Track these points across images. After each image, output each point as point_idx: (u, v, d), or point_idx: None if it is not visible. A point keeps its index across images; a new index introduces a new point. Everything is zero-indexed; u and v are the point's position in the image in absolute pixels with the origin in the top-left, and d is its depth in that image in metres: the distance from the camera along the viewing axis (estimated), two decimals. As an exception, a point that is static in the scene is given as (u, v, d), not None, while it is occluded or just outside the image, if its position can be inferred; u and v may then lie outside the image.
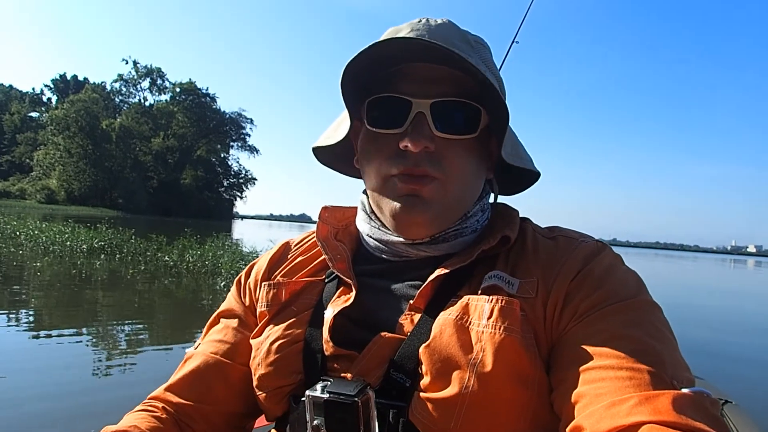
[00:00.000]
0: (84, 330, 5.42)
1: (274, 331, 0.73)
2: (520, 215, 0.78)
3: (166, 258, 10.69)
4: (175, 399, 0.76)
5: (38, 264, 9.83)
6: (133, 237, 13.00)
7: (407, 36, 0.67)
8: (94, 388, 3.73)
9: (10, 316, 5.84)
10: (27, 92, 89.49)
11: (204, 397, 0.76)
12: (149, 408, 0.76)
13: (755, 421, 1.79)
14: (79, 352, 4.54)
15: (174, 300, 7.80)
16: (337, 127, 0.78)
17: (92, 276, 9.09)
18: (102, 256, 11.49)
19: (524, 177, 0.80)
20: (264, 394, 0.72)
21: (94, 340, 5.04)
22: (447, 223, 0.72)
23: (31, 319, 5.80)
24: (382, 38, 0.69)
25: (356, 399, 0.58)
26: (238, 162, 74.62)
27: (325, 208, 0.83)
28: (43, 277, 8.50)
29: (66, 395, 3.44)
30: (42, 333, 5.15)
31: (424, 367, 0.62)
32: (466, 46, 0.72)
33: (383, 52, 0.66)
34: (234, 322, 0.82)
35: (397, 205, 0.70)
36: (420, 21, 0.73)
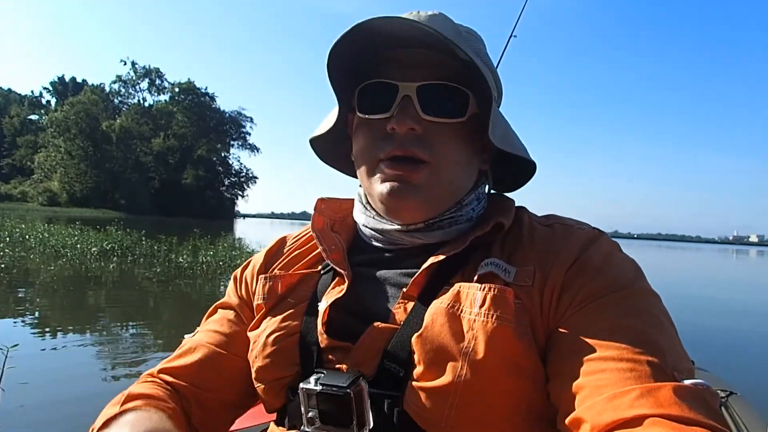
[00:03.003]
0: (104, 335, 5.54)
1: (270, 324, 0.74)
2: (516, 204, 0.78)
3: (180, 259, 10.78)
4: (169, 380, 0.77)
5: (52, 268, 9.94)
6: (143, 238, 13.08)
7: (391, 15, 0.66)
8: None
9: (30, 322, 5.93)
10: (26, 95, 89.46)
11: (197, 383, 0.77)
12: (153, 381, 0.76)
13: (760, 412, 1.91)
14: (102, 357, 4.64)
15: (190, 302, 7.90)
16: (333, 116, 0.80)
17: (107, 280, 9.20)
18: (114, 258, 11.59)
19: (521, 171, 0.80)
20: (262, 386, 0.72)
21: (115, 345, 5.14)
22: (441, 208, 0.72)
23: (51, 325, 5.88)
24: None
25: (348, 390, 0.59)
26: (238, 161, 74.35)
27: (321, 200, 0.84)
28: (59, 282, 8.59)
29: (87, 400, 3.58)
30: (62, 339, 5.21)
31: (416, 357, 0.62)
32: (456, 35, 0.72)
33: (371, 39, 0.67)
34: (230, 314, 0.83)
35: (386, 189, 0.70)
36: (411, 13, 0.72)
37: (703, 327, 8.03)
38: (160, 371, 0.78)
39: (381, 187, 0.71)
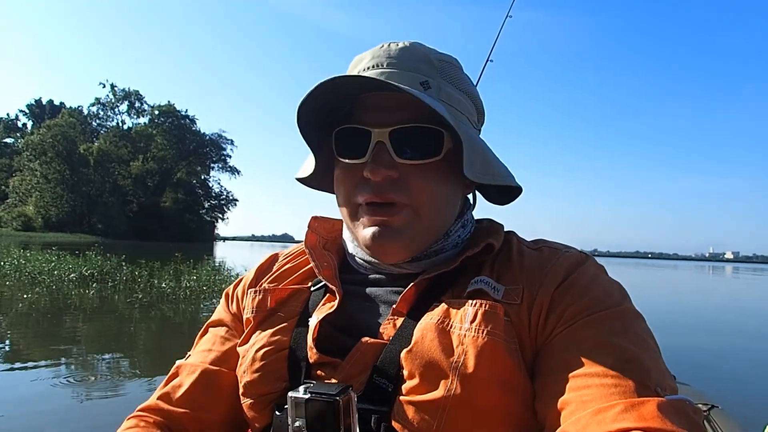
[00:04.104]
0: (85, 364, 5.44)
1: (259, 339, 0.74)
2: (505, 229, 0.80)
3: (163, 284, 10.65)
4: (166, 408, 0.77)
5: (28, 296, 9.73)
6: (124, 263, 12.90)
7: (357, 74, 0.68)
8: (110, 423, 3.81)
9: (5, 352, 5.82)
10: (1, 118, 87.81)
11: (195, 406, 0.76)
12: (141, 419, 0.76)
13: (741, 425, 1.97)
14: (85, 387, 4.56)
15: (174, 327, 7.78)
16: (309, 163, 0.81)
17: (87, 307, 9.01)
18: (93, 284, 11.35)
19: (507, 189, 0.81)
20: (249, 401, 0.72)
21: (98, 374, 5.07)
22: (425, 245, 0.74)
23: (29, 355, 5.74)
24: (341, 72, 0.71)
25: (337, 398, 0.58)
26: (219, 183, 73.87)
27: (314, 218, 0.85)
28: (36, 310, 8.38)
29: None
30: (40, 370, 5.06)
31: (406, 372, 0.63)
32: (428, 67, 0.73)
33: (343, 84, 0.67)
34: (222, 331, 0.83)
35: (368, 235, 0.71)
36: (382, 47, 0.74)
37: (684, 341, 8.14)
38: (157, 399, 0.78)
39: (363, 233, 0.72)
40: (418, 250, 0.73)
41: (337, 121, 0.74)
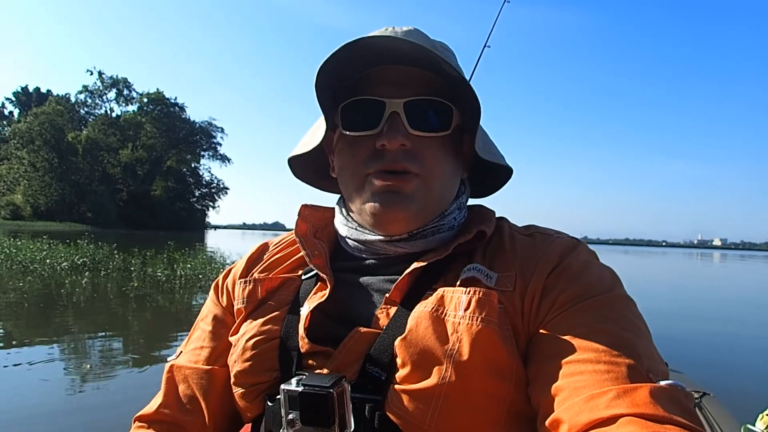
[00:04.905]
0: (81, 352, 5.44)
1: (250, 328, 0.73)
2: (497, 215, 0.80)
3: (158, 273, 10.65)
4: (164, 416, 0.78)
5: (21, 284, 9.68)
6: (116, 252, 12.86)
7: (383, 35, 0.68)
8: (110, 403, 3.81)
9: (2, 343, 5.80)
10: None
11: (192, 409, 0.77)
12: (143, 429, 0.77)
13: (732, 411, 2.02)
14: (83, 376, 4.56)
15: (170, 316, 7.77)
16: (313, 134, 0.79)
17: (80, 295, 8.98)
18: (86, 273, 11.31)
19: (496, 177, 0.83)
20: (241, 391, 0.72)
21: (97, 363, 5.05)
22: (427, 219, 0.73)
23: (23, 344, 5.72)
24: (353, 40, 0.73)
25: (331, 390, 0.58)
26: (209, 171, 73.45)
27: (305, 206, 0.84)
28: (29, 300, 8.34)
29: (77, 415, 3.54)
30: (37, 359, 5.02)
31: (399, 360, 0.62)
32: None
33: (353, 58, 0.67)
34: (213, 326, 0.82)
35: (377, 201, 0.70)
36: (387, 29, 0.74)
37: (676, 329, 8.20)
38: (153, 407, 0.79)
39: (372, 199, 0.71)
40: (421, 223, 0.73)
41: (341, 98, 0.73)
